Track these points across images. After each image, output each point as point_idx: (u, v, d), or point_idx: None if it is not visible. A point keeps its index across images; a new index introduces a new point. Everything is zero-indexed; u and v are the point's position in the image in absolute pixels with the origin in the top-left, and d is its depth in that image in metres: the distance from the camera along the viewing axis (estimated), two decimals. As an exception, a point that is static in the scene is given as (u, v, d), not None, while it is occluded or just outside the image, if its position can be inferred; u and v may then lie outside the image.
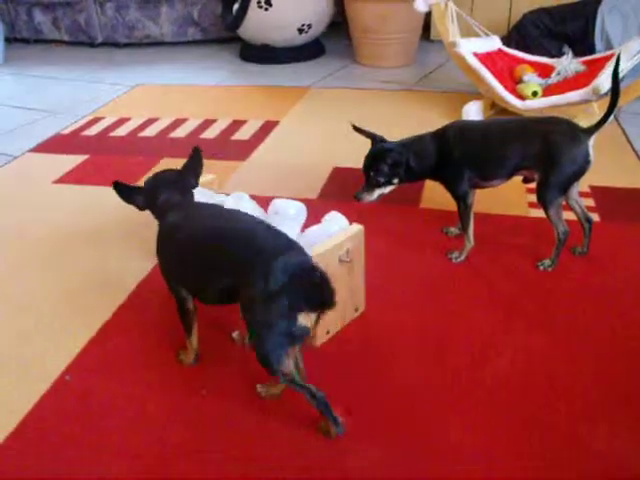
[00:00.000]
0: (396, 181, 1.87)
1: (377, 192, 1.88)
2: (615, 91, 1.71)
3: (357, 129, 1.92)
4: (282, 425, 1.33)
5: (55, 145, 2.91)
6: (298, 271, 1.18)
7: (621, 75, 2.56)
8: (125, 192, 1.48)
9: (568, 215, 1.81)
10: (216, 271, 1.27)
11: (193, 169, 1.58)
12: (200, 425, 1.29)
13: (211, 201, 1.66)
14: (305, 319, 1.18)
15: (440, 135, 1.85)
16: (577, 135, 1.72)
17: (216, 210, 1.46)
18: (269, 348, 1.20)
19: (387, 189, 1.88)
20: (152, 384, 1.44)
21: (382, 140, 1.90)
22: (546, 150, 1.72)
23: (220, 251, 1.27)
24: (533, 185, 1.86)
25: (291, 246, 1.24)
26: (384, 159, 1.83)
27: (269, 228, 1.30)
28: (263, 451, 1.28)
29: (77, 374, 1.49)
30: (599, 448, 1.26)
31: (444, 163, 1.83)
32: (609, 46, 3.14)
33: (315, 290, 1.18)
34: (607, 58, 2.73)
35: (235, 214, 1.41)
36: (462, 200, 1.85)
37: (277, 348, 1.20)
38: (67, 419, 1.37)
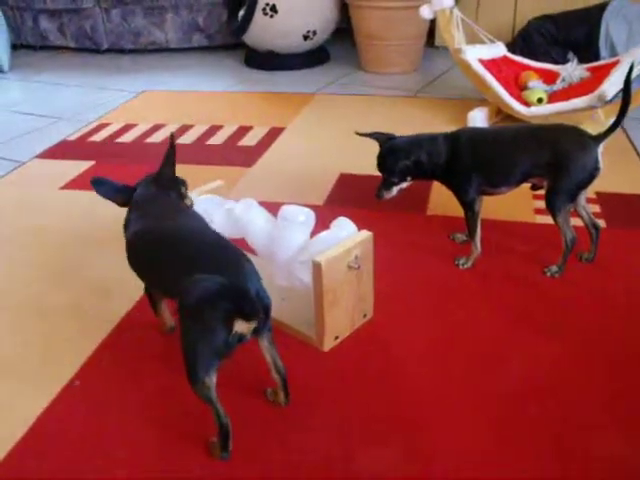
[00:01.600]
0: (409, 178, 1.89)
1: (395, 189, 1.90)
2: (626, 99, 1.71)
3: (361, 134, 1.93)
4: (291, 427, 1.34)
5: (62, 151, 2.92)
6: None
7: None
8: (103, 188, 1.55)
9: (575, 221, 1.81)
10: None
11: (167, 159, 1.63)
12: (210, 429, 1.29)
13: (220, 208, 1.67)
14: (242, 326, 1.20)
15: (453, 138, 1.85)
16: (586, 142, 1.73)
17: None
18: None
19: (404, 184, 1.90)
20: (163, 389, 1.45)
21: (390, 138, 1.90)
22: (555, 158, 1.72)
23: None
24: (539, 192, 1.87)
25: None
26: (394, 159, 1.84)
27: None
28: (271, 451, 1.28)
29: (86, 379, 1.50)
30: (608, 454, 1.26)
31: (454, 167, 1.84)
32: (614, 53, 3.15)
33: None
34: (612, 65, 2.74)
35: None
36: (469, 207, 1.86)
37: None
38: (76, 424, 1.37)
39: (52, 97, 3.86)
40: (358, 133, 1.94)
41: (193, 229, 1.39)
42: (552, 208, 1.77)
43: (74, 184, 2.55)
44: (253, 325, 1.21)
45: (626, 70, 1.76)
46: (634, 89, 2.61)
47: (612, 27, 3.20)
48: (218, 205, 1.70)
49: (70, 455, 1.30)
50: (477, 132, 1.97)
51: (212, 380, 1.21)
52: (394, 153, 1.85)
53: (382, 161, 1.88)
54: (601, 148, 1.73)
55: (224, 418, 1.24)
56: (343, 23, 4.27)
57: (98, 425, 1.37)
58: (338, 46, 4.49)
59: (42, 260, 2.02)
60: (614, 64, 2.72)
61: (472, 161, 1.82)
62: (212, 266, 1.21)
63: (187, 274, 1.18)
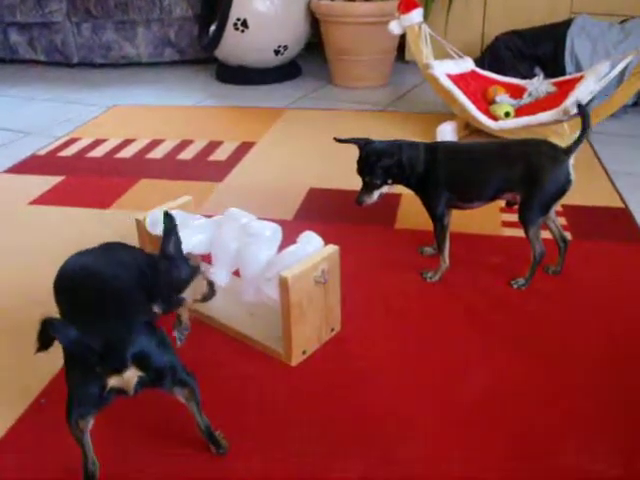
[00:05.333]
0: (390, 181, 1.87)
1: (376, 193, 1.87)
2: (585, 118, 1.76)
3: (340, 140, 1.92)
4: (259, 443, 1.34)
5: (31, 166, 2.90)
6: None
7: (591, 96, 2.62)
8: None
9: (543, 234, 1.83)
10: None
11: None
12: (188, 446, 1.29)
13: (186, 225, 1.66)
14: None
15: (431, 149, 1.86)
16: (558, 155, 1.75)
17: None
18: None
19: (385, 188, 1.88)
20: (130, 404, 1.44)
21: (368, 142, 1.89)
22: (528, 171, 1.75)
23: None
24: (506, 205, 1.90)
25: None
26: (376, 161, 1.82)
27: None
28: (240, 468, 1.28)
29: (52, 397, 1.48)
30: (572, 463, 1.28)
31: (428, 179, 1.84)
32: (579, 68, 3.20)
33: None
34: (577, 79, 2.78)
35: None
36: (439, 220, 1.87)
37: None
38: (43, 442, 1.37)
39: (22, 111, 3.84)
40: (337, 139, 1.93)
41: (103, 273, 1.31)
42: (525, 221, 1.79)
43: (44, 199, 2.53)
44: (132, 381, 1.14)
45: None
46: (602, 102, 2.70)
47: (577, 43, 3.26)
48: (183, 221, 1.69)
49: (36, 474, 1.29)
50: (453, 147, 1.98)
51: (86, 424, 1.18)
52: (376, 154, 1.83)
53: (364, 163, 1.85)
54: (572, 160, 1.75)
55: (90, 465, 1.21)
56: (314, 38, 4.30)
57: (64, 443, 1.35)
58: (309, 61, 4.51)
59: (10, 276, 2.00)
60: (579, 79, 2.76)
61: (446, 175, 1.83)
62: (99, 316, 1.17)
63: (72, 318, 1.17)
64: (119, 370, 1.12)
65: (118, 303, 1.24)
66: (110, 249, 1.45)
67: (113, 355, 1.11)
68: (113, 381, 1.13)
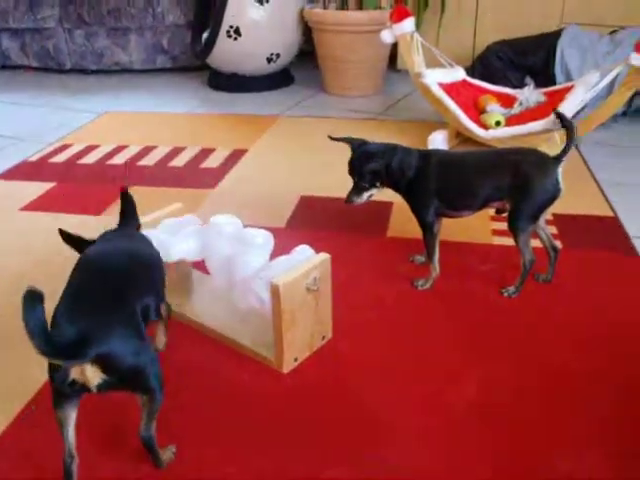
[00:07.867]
0: (379, 184, 1.88)
1: (366, 194, 1.89)
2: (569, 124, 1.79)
3: (333, 139, 1.93)
4: (249, 449, 1.34)
5: (22, 172, 2.90)
6: None
7: (581, 106, 2.65)
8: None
9: (533, 242, 1.84)
10: None
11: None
12: (181, 448, 1.29)
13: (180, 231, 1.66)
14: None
15: (424, 156, 1.87)
16: (547, 164, 1.77)
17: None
18: None
19: (375, 191, 1.89)
20: (121, 412, 1.44)
21: (362, 143, 1.89)
22: (517, 180, 1.76)
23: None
24: (496, 213, 1.90)
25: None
26: (366, 164, 1.83)
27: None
28: (229, 474, 1.28)
29: (43, 404, 1.48)
30: (564, 470, 1.28)
31: (418, 185, 1.85)
32: (569, 78, 3.23)
33: None
34: (567, 89, 2.80)
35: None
36: (428, 228, 1.88)
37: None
38: (34, 449, 1.36)
39: (13, 117, 3.83)
40: (331, 137, 1.93)
41: (110, 260, 1.35)
42: (515, 230, 1.80)
43: (35, 205, 2.53)
44: (94, 380, 1.12)
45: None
46: (591, 111, 2.73)
47: (567, 53, 3.28)
48: (174, 229, 1.69)
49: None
50: (446, 155, 1.98)
51: (64, 415, 1.19)
52: (366, 157, 1.84)
53: (354, 165, 1.86)
54: (561, 169, 1.77)
55: (67, 457, 1.21)
56: (307, 46, 4.31)
57: (55, 448, 1.35)
58: (302, 69, 4.53)
59: (2, 280, 1.99)
60: (569, 89, 2.78)
61: (437, 184, 1.84)
62: (84, 305, 1.19)
63: (64, 296, 1.22)
64: (68, 359, 1.10)
65: (107, 295, 1.22)
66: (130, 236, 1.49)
67: (74, 349, 1.08)
68: (74, 374, 1.12)
